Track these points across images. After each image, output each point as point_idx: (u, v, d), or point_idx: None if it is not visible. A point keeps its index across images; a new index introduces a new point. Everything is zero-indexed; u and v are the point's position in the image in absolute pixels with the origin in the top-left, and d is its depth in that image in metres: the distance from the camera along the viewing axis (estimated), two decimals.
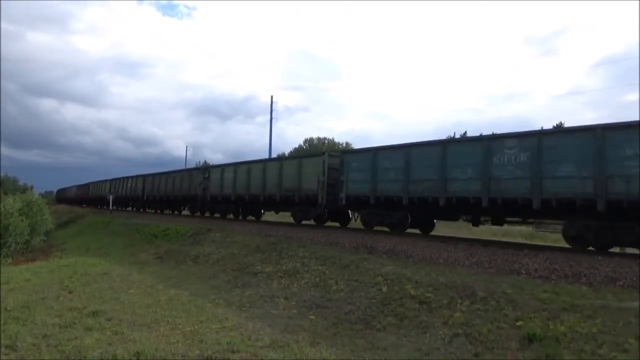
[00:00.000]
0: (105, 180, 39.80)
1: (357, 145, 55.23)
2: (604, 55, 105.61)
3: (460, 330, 5.51)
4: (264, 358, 4.84)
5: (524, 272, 7.25)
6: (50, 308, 6.83)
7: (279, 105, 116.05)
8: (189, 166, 50.41)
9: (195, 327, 5.91)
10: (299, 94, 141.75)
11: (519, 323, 5.33)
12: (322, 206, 14.88)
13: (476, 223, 11.90)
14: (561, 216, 9.71)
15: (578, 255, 8.17)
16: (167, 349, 4.91)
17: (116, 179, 37.19)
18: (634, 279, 6.30)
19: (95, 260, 13.09)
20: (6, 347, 4.91)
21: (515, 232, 17.86)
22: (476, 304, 6.05)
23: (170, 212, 28.87)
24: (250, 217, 21.01)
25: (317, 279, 8.38)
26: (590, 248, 9.01)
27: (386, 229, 13.35)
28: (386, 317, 6.32)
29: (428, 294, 6.59)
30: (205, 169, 22.67)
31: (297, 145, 58.18)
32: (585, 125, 9.11)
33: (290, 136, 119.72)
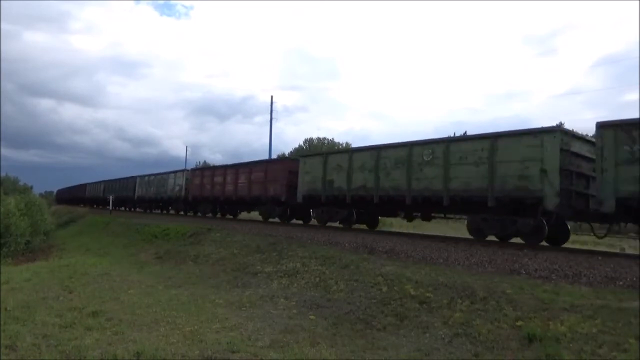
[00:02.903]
0: (132, 177, 33.92)
1: (356, 145, 55.14)
2: (603, 55, 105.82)
3: (460, 330, 5.51)
4: (264, 358, 4.84)
5: (524, 272, 7.25)
6: (50, 308, 6.83)
7: (277, 105, 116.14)
8: (189, 166, 50.40)
9: (195, 327, 5.90)
10: (297, 94, 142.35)
11: (519, 323, 5.33)
12: (554, 213, 9.02)
13: None
14: None
15: (578, 255, 8.16)
16: (167, 349, 4.91)
17: (147, 176, 31.13)
18: (634, 279, 6.31)
19: (95, 260, 13.09)
20: (6, 347, 4.91)
21: None
22: (476, 304, 6.05)
23: (221, 215, 22.36)
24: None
25: (317, 279, 8.38)
26: None
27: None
28: (386, 317, 6.32)
29: (428, 294, 6.59)
30: (293, 159, 16.93)
31: (297, 145, 58.25)
32: None
33: (289, 136, 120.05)
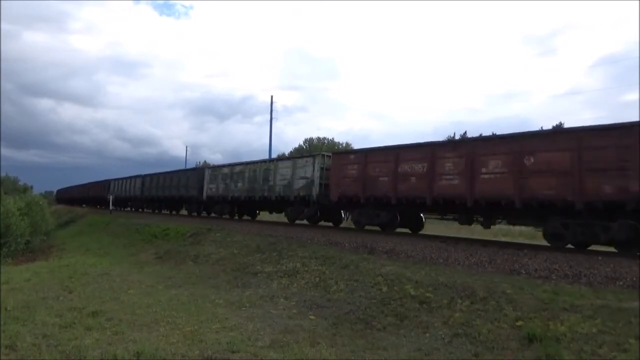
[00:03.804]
0: (194, 169, 26.23)
1: (356, 145, 55.00)
2: (603, 55, 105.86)
3: (460, 330, 5.52)
4: (264, 358, 4.84)
5: (524, 272, 7.26)
6: (50, 308, 6.83)
7: (277, 105, 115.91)
8: (188, 166, 49.90)
9: (195, 327, 5.91)
10: (297, 94, 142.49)
11: (519, 323, 5.34)
12: None
13: None
14: None
15: (578, 255, 8.15)
16: (167, 349, 4.91)
17: (225, 167, 21.20)
18: (634, 279, 6.31)
19: (95, 260, 13.09)
20: (6, 347, 4.91)
21: (516, 232, 17.83)
22: (476, 304, 6.05)
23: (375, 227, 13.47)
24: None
25: (317, 279, 8.38)
26: None
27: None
28: (386, 317, 6.32)
29: (428, 294, 6.59)
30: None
31: (297, 145, 58.17)
32: None
33: (289, 136, 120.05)
